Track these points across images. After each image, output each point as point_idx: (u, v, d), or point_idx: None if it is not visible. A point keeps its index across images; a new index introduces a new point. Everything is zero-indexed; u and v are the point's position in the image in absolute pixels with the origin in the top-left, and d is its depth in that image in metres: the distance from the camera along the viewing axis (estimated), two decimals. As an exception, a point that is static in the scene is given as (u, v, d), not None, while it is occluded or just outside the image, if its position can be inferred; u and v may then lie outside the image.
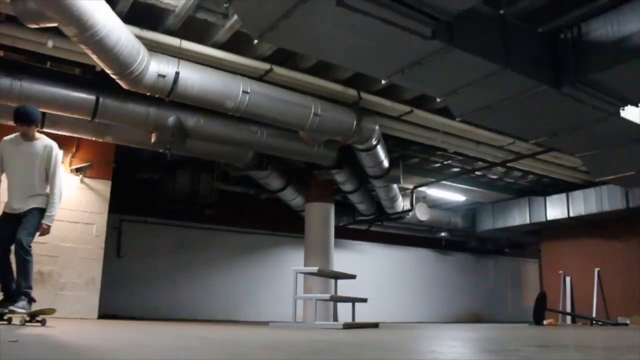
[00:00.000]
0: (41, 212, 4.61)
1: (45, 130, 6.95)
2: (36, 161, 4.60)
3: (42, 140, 4.70)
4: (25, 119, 4.55)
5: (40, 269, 7.27)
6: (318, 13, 4.15)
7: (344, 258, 12.02)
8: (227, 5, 4.50)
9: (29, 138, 4.62)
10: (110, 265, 8.41)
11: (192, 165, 10.01)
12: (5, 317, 4.46)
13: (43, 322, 4.42)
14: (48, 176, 4.65)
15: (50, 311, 4.63)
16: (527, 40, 5.23)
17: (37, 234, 4.56)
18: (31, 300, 4.52)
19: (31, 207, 4.59)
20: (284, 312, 9.59)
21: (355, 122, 7.09)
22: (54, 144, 4.70)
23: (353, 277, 7.89)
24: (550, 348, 2.96)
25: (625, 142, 6.70)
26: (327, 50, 4.90)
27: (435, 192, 11.81)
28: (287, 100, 6.59)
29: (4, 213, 4.66)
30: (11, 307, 4.36)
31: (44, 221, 4.58)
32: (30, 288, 4.50)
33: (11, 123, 6.71)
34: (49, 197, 4.66)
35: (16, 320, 4.39)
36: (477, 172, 10.96)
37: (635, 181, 8.25)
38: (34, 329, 3.79)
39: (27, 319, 4.38)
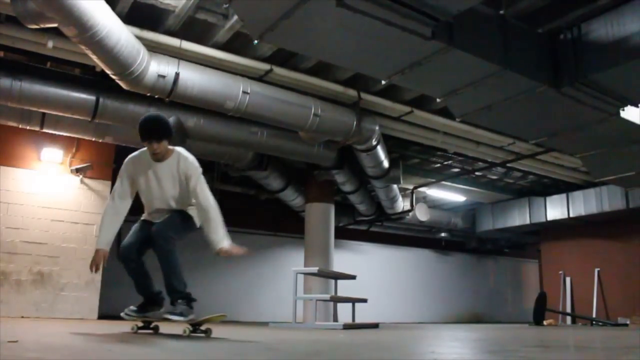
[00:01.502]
0: (184, 215, 3.69)
1: (45, 130, 6.97)
2: (176, 184, 3.63)
3: (175, 156, 3.65)
4: (154, 134, 3.51)
5: (41, 270, 7.28)
6: (318, 13, 4.15)
7: (344, 258, 12.01)
8: (227, 5, 4.50)
9: (160, 157, 3.59)
10: (110, 265, 8.36)
11: (192, 165, 10.00)
12: (152, 325, 3.70)
13: (208, 333, 3.52)
14: (191, 195, 3.64)
15: (220, 317, 3.68)
16: (527, 40, 5.23)
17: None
18: (191, 300, 3.54)
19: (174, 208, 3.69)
20: (284, 313, 9.59)
21: (355, 123, 7.09)
22: (188, 158, 3.67)
23: (353, 277, 7.89)
24: (550, 348, 2.96)
25: (625, 142, 6.70)
26: (327, 50, 4.90)
27: (435, 193, 11.81)
28: (287, 100, 6.59)
29: (142, 220, 3.81)
30: (166, 315, 3.41)
31: (222, 245, 3.56)
32: (185, 285, 3.54)
33: (10, 123, 6.79)
34: (197, 211, 3.68)
35: (178, 329, 3.53)
36: (477, 173, 10.96)
37: (635, 181, 8.25)
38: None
39: (191, 328, 3.48)
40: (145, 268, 3.62)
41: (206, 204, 3.56)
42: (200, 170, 3.67)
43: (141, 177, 3.64)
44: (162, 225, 3.55)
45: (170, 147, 3.65)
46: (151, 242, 3.53)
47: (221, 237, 3.54)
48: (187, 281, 3.57)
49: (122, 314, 3.61)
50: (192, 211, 3.74)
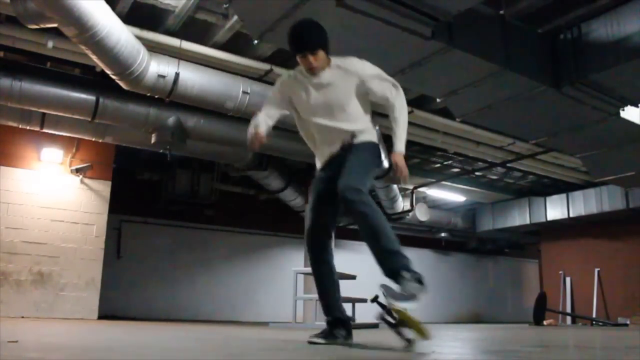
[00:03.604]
0: (373, 146, 2.86)
1: (45, 130, 6.98)
2: (346, 97, 2.83)
3: (335, 63, 2.90)
4: (307, 45, 2.78)
5: (41, 270, 7.28)
6: (318, 13, 4.15)
7: (344, 258, 11.95)
8: (227, 5, 4.50)
9: (317, 71, 2.84)
10: (110, 265, 8.41)
11: (192, 165, 10.02)
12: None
13: (412, 343, 2.38)
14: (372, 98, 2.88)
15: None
16: (527, 40, 5.23)
17: (381, 174, 2.69)
18: (418, 277, 2.54)
19: (354, 142, 2.83)
20: (284, 313, 9.59)
21: (355, 123, 7.08)
22: (353, 58, 2.95)
23: (353, 277, 7.88)
24: (550, 348, 2.96)
25: (626, 142, 6.71)
26: (327, 50, 4.90)
27: (435, 193, 11.81)
28: (287, 100, 6.58)
29: (317, 180, 3.01)
30: (393, 300, 2.38)
31: (396, 148, 2.79)
32: (402, 252, 2.61)
33: (10, 123, 6.80)
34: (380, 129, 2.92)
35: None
36: (477, 173, 10.96)
37: (635, 181, 8.25)
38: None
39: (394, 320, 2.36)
40: (331, 261, 2.90)
41: (393, 105, 2.85)
42: (374, 67, 2.89)
43: (299, 99, 2.92)
44: (346, 175, 2.65)
45: (329, 57, 2.88)
46: (339, 203, 2.71)
47: (400, 142, 2.79)
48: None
49: (308, 340, 2.79)
50: (373, 133, 2.91)
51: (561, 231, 12.74)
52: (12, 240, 7.19)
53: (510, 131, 7.50)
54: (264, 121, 2.97)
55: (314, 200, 2.94)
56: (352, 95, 2.84)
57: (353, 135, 2.83)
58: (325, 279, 2.87)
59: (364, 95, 2.87)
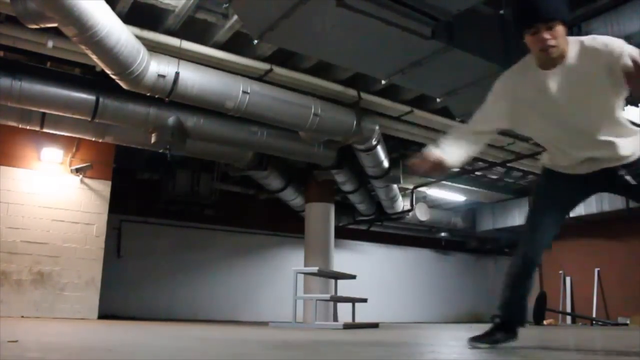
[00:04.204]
0: None
1: (45, 130, 6.97)
2: (597, 93, 2.17)
3: (576, 47, 2.18)
4: (535, 14, 2.15)
5: (41, 270, 7.28)
6: (318, 13, 4.16)
7: (344, 258, 12.02)
8: (227, 5, 4.51)
9: (554, 52, 2.19)
10: (110, 265, 8.41)
11: (192, 165, 10.02)
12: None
13: None
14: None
15: None
16: (527, 40, 5.23)
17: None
18: None
19: (629, 158, 2.30)
20: (284, 313, 9.59)
21: (355, 123, 7.09)
22: (598, 40, 2.15)
23: (353, 277, 7.89)
24: (550, 348, 2.96)
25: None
26: (327, 50, 4.91)
27: (435, 192, 11.82)
28: (287, 100, 6.60)
29: (551, 175, 2.46)
30: None
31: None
32: None
33: (10, 123, 6.79)
34: None
35: None
36: (477, 172, 10.96)
37: (635, 181, 8.24)
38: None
39: None
40: (533, 279, 2.65)
41: None
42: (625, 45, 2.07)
43: (528, 101, 2.27)
44: None
45: (568, 39, 2.19)
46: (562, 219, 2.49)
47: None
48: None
49: (468, 346, 2.66)
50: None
51: (561, 231, 12.65)
52: (13, 240, 7.19)
53: (510, 131, 7.50)
54: (451, 144, 2.44)
55: (543, 208, 2.50)
56: (608, 89, 2.10)
57: (622, 147, 2.22)
58: (526, 280, 2.62)
59: (620, 82, 2.05)
